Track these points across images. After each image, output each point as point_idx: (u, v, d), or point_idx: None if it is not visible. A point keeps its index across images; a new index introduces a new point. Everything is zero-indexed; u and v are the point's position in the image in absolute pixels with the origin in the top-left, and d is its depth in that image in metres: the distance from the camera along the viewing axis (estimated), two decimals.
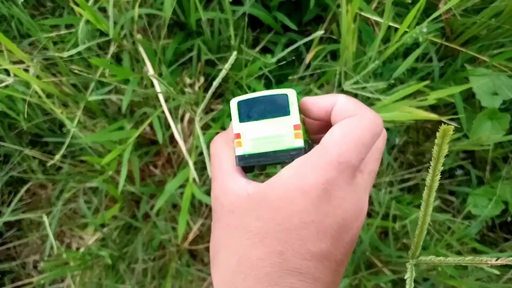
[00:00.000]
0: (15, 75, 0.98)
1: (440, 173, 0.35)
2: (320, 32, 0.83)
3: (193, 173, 0.90)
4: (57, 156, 0.99)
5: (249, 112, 0.35)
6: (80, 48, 0.85)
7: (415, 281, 1.10)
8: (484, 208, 1.04)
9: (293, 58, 1.22)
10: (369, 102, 1.04)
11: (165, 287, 1.00)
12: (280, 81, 1.16)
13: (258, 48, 1.05)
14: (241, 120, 0.35)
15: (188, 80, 1.07)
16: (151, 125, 1.13)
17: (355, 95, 1.04)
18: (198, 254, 1.16)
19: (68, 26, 1.13)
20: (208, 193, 1.08)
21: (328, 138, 0.31)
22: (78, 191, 1.13)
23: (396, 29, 0.98)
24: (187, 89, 1.08)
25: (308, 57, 1.06)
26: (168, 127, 1.09)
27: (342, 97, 0.34)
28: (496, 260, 0.37)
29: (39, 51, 1.08)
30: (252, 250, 0.29)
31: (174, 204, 1.15)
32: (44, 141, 1.21)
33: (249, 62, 1.03)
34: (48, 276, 0.92)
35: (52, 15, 1.19)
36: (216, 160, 0.35)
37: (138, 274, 1.06)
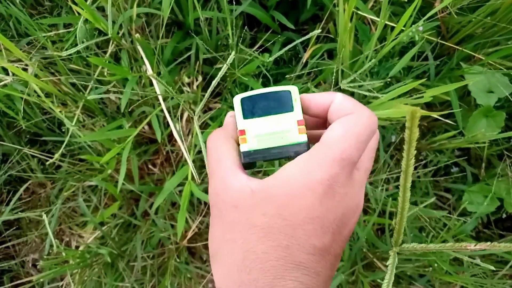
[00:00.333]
0: (13, 74, 0.99)
1: (414, 158, 0.36)
2: (317, 31, 0.84)
3: (192, 171, 0.91)
4: (56, 155, 0.99)
5: (252, 109, 0.36)
6: (79, 47, 0.86)
7: (411, 277, 1.11)
8: (480, 205, 1.05)
9: (290, 57, 1.23)
10: (365, 100, 1.05)
11: (164, 285, 1.01)
12: (278, 80, 1.17)
13: (255, 47, 1.05)
14: (245, 117, 0.36)
15: (186, 79, 1.08)
16: (149, 124, 1.14)
17: (352, 94, 1.05)
18: (196, 252, 1.16)
19: (66, 25, 1.14)
20: (207, 191, 1.08)
21: (330, 135, 0.32)
22: (77, 190, 1.14)
23: (392, 28, 0.99)
24: (185, 88, 1.09)
25: (305, 56, 1.07)
26: (166, 125, 1.10)
27: (339, 95, 0.35)
28: (475, 245, 0.38)
29: (38, 50, 1.08)
30: (258, 244, 0.30)
31: (173, 202, 1.16)
32: (43, 140, 1.21)
33: (247, 61, 1.03)
34: (47, 275, 0.92)
35: (50, 14, 1.19)
36: (215, 156, 0.36)
37: (137, 272, 1.07)
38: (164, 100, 0.97)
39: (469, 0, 0.95)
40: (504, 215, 1.13)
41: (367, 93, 0.86)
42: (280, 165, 0.96)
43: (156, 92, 1.00)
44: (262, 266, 0.29)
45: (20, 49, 0.95)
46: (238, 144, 0.37)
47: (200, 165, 1.10)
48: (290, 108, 0.35)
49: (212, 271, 0.32)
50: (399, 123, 1.10)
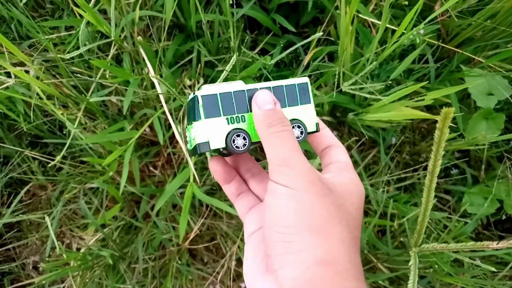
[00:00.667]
0: (15, 77, 0.99)
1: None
2: (318, 34, 0.85)
3: (194, 174, 0.91)
4: (58, 157, 0.99)
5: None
6: (82, 50, 0.86)
7: None
8: (480, 207, 1.06)
9: (291, 59, 1.23)
10: (366, 102, 1.05)
11: (166, 287, 1.01)
12: None
13: (256, 50, 1.06)
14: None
15: (188, 82, 1.08)
16: (151, 127, 1.14)
17: (353, 96, 1.05)
18: (198, 254, 1.16)
19: (68, 28, 1.14)
20: (207, 193, 1.09)
21: (341, 160, 0.42)
22: (78, 192, 1.14)
23: (393, 31, 0.99)
24: (187, 91, 1.09)
25: (306, 58, 1.07)
26: (168, 128, 1.10)
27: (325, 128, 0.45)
28: (497, 243, 0.38)
29: (39, 52, 1.09)
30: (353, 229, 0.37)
31: (174, 204, 1.16)
32: (44, 143, 1.21)
33: (249, 63, 1.04)
34: (49, 277, 0.92)
35: (52, 16, 1.19)
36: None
37: (138, 274, 1.07)
38: (166, 102, 0.98)
39: (469, 3, 0.96)
40: (503, 217, 1.14)
41: (368, 96, 0.87)
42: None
43: (157, 95, 1.00)
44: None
45: (22, 52, 0.95)
46: None
47: (202, 167, 1.11)
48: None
49: (318, 242, 0.33)
50: (399, 125, 1.10)
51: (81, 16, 1.06)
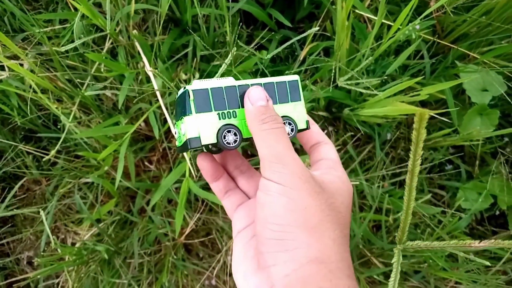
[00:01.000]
0: (9, 70, 0.98)
1: (420, 160, 0.37)
2: (315, 29, 0.85)
3: (190, 168, 0.91)
4: (53, 151, 0.99)
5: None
6: (77, 42, 0.85)
7: (406, 274, 1.13)
8: (474, 202, 1.07)
9: (287, 54, 1.23)
10: (362, 98, 1.06)
11: (162, 281, 1.01)
12: None
13: (252, 45, 1.06)
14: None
15: (183, 76, 1.08)
16: (146, 121, 1.14)
17: (349, 91, 1.06)
18: (193, 249, 1.16)
19: (62, 22, 1.13)
20: (203, 188, 1.08)
21: (330, 158, 0.43)
22: (73, 187, 1.13)
23: (388, 26, 1.00)
24: (182, 85, 1.09)
25: (302, 53, 1.07)
26: (163, 122, 1.10)
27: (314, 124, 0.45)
28: (479, 242, 0.39)
29: (33, 46, 1.08)
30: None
31: (169, 199, 1.16)
32: (38, 137, 1.21)
33: (244, 58, 1.04)
34: (44, 271, 0.92)
35: (46, 10, 1.18)
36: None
37: (134, 269, 1.07)
38: (161, 96, 0.97)
39: None
40: (497, 212, 1.15)
41: (363, 91, 0.87)
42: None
43: (153, 89, 1.00)
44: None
45: (15, 45, 0.94)
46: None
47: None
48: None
49: (311, 240, 0.34)
50: (394, 121, 1.11)
51: (75, 9, 1.05)
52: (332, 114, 1.16)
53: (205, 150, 0.44)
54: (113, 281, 1.02)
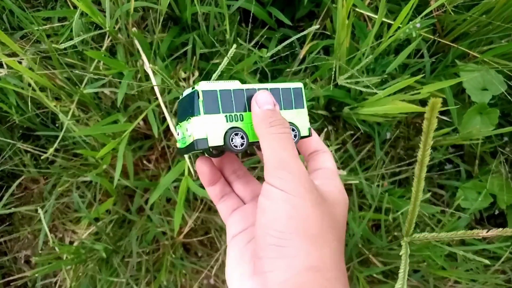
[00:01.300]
0: (8, 67, 0.98)
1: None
2: (315, 27, 0.84)
3: (189, 167, 0.91)
4: (51, 150, 0.98)
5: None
6: (76, 40, 0.85)
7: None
8: (474, 201, 1.07)
9: (287, 53, 1.23)
10: (361, 97, 1.05)
11: (160, 280, 1.01)
12: (274, 76, 1.17)
13: (253, 42, 1.05)
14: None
15: (183, 74, 1.07)
16: (144, 120, 1.13)
17: (348, 90, 1.05)
18: (191, 248, 1.16)
19: (61, 19, 1.12)
20: (202, 187, 1.08)
21: (328, 167, 0.43)
22: (71, 186, 1.12)
23: (389, 25, 0.99)
24: (182, 83, 1.08)
25: (302, 52, 1.07)
26: (162, 121, 1.10)
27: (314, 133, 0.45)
28: (487, 231, 0.39)
29: (32, 44, 1.07)
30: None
31: (168, 198, 1.15)
32: (36, 135, 1.20)
33: (244, 57, 1.03)
34: (42, 270, 0.91)
35: (44, 8, 1.18)
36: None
37: (132, 268, 1.07)
38: (160, 95, 0.97)
39: None
40: (496, 212, 1.15)
41: (363, 89, 0.87)
42: None
43: (152, 86, 1.00)
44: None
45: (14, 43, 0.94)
46: None
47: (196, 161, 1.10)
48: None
49: (311, 249, 0.34)
50: (394, 120, 1.11)
51: (74, 7, 1.04)
52: (331, 113, 1.15)
53: (205, 154, 0.43)
54: (111, 280, 1.01)
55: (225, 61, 0.57)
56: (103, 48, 1.04)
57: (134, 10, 0.96)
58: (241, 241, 0.40)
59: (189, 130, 0.38)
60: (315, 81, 1.07)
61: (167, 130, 1.13)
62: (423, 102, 1.11)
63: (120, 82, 1.03)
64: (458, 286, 1.08)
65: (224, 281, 1.11)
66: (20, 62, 0.98)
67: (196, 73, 1.09)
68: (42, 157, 1.04)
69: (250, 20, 1.03)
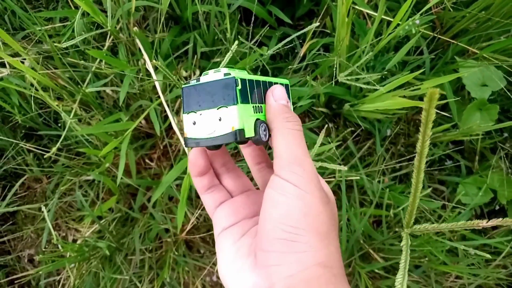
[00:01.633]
0: (11, 67, 0.98)
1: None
2: (315, 24, 0.85)
3: None
4: (54, 149, 0.99)
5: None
6: (78, 39, 0.86)
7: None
8: (474, 196, 1.07)
9: (287, 51, 1.24)
10: (361, 94, 1.06)
11: (163, 277, 1.01)
12: (275, 75, 1.18)
13: (253, 41, 1.06)
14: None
15: (184, 73, 1.08)
16: (146, 119, 1.14)
17: (349, 87, 1.06)
18: (194, 245, 1.17)
19: (62, 20, 1.13)
20: None
21: None
22: (73, 184, 1.13)
23: (388, 22, 1.00)
24: (183, 82, 1.09)
25: (302, 50, 1.08)
26: (164, 119, 1.10)
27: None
28: (487, 222, 0.39)
29: (34, 44, 1.08)
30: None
31: (170, 196, 1.16)
32: (38, 135, 1.21)
33: (245, 55, 1.04)
34: (46, 267, 0.92)
35: (46, 8, 1.19)
36: None
37: (135, 266, 1.07)
38: (162, 93, 0.98)
39: None
40: (497, 207, 1.16)
41: (364, 86, 0.88)
42: None
43: (154, 85, 1.00)
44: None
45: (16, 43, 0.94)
46: None
47: None
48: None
49: (320, 245, 0.34)
50: (394, 117, 1.11)
51: (76, 7, 1.05)
52: (332, 111, 1.16)
53: (184, 145, 0.40)
54: (114, 277, 1.02)
55: (230, 52, 0.58)
56: (105, 47, 1.05)
57: (135, 9, 0.97)
58: (234, 234, 0.39)
59: (225, 120, 0.36)
60: (316, 79, 1.08)
61: (169, 128, 1.14)
62: (423, 99, 1.12)
63: (122, 81, 1.04)
64: (459, 281, 1.08)
65: None
66: (22, 62, 0.99)
67: (197, 72, 1.10)
68: (45, 156, 1.05)
69: (253, 19, 1.03)
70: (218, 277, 1.14)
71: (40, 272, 0.97)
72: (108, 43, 1.05)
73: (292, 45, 1.23)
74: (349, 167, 1.06)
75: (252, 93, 0.37)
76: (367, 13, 1.06)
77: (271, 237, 0.34)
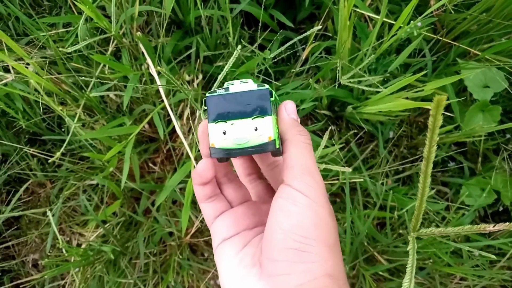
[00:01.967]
0: (15, 73, 0.99)
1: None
2: (317, 27, 0.86)
3: (195, 167, 0.92)
4: (58, 153, 0.99)
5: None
6: (82, 44, 0.86)
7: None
8: (478, 198, 1.07)
9: (289, 55, 1.24)
10: (364, 96, 1.06)
11: (168, 281, 1.01)
12: (277, 78, 1.18)
13: (256, 44, 1.07)
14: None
15: (187, 77, 1.09)
16: (149, 123, 1.15)
17: (351, 90, 1.07)
18: (198, 249, 1.17)
19: (65, 26, 1.14)
20: None
21: None
22: (77, 189, 1.14)
23: (389, 25, 1.01)
24: (186, 86, 1.09)
25: (305, 53, 1.08)
26: (167, 123, 1.11)
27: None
28: (494, 226, 0.39)
29: (38, 50, 1.09)
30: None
31: (174, 200, 1.16)
32: (42, 140, 1.21)
33: (247, 59, 1.05)
34: (51, 272, 0.92)
35: (49, 14, 1.20)
36: None
37: (139, 270, 1.07)
38: (166, 97, 0.98)
39: None
40: (500, 208, 1.16)
41: (366, 88, 0.88)
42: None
43: (157, 90, 1.01)
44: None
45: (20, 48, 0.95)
46: None
47: None
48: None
49: (329, 256, 0.35)
50: (397, 119, 1.12)
51: (79, 12, 1.06)
52: (334, 113, 1.16)
53: (212, 156, 0.39)
54: (119, 281, 1.02)
55: (235, 55, 0.58)
56: (108, 52, 1.06)
57: (138, 14, 0.97)
58: (236, 244, 0.39)
59: (261, 130, 0.36)
60: (318, 81, 1.09)
61: (172, 132, 1.14)
62: (425, 101, 1.12)
63: (125, 86, 1.04)
64: (464, 283, 1.08)
65: None
66: (26, 67, 0.99)
67: (200, 76, 1.10)
68: (49, 161, 1.05)
69: (259, 23, 1.04)
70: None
71: (45, 277, 0.97)
72: (111, 48, 1.05)
73: (294, 48, 1.23)
74: (352, 169, 1.06)
75: (274, 106, 0.38)
76: (369, 16, 1.07)
77: (281, 246, 0.34)
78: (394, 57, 1.03)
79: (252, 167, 0.46)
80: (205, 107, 0.37)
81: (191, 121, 1.11)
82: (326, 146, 0.96)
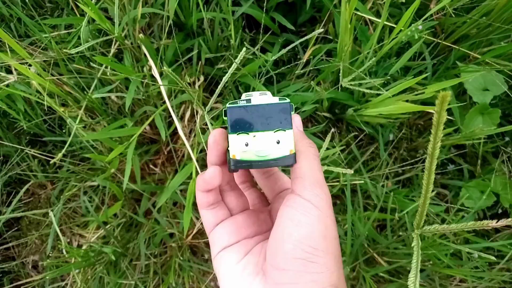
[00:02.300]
0: (18, 74, 0.99)
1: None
2: (318, 30, 0.86)
3: (197, 169, 0.92)
4: (59, 154, 1.00)
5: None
6: (85, 45, 0.87)
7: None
8: (477, 200, 1.08)
9: (290, 58, 1.25)
10: (364, 99, 1.07)
11: (169, 282, 1.02)
12: (278, 81, 1.19)
13: (257, 47, 1.07)
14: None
15: (188, 79, 1.09)
16: (150, 125, 1.15)
17: (351, 92, 1.07)
18: (198, 250, 1.17)
19: (67, 27, 1.14)
20: None
21: None
22: (78, 190, 1.14)
23: (390, 28, 1.01)
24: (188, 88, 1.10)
25: (305, 56, 1.09)
26: (169, 125, 1.11)
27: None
28: (497, 222, 0.40)
29: (40, 51, 1.09)
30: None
31: (174, 202, 1.17)
32: (43, 142, 1.21)
33: (248, 61, 1.05)
34: (52, 273, 0.92)
35: (51, 16, 1.20)
36: None
37: (140, 271, 1.07)
38: (168, 98, 0.98)
39: (464, 1, 0.98)
40: (499, 211, 1.16)
41: (367, 91, 0.89)
42: None
43: (159, 91, 1.01)
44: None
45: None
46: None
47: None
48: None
49: (335, 268, 0.35)
50: (397, 121, 1.12)
51: (81, 14, 1.06)
52: (335, 116, 1.17)
53: (233, 168, 0.39)
54: (120, 283, 1.02)
55: (239, 57, 0.59)
56: (110, 54, 1.06)
57: (140, 16, 0.98)
58: (237, 253, 0.39)
59: (283, 143, 0.37)
60: (319, 84, 1.09)
61: (174, 134, 1.15)
62: (425, 104, 1.13)
63: (126, 87, 1.05)
64: (463, 284, 1.09)
65: None
66: (28, 69, 1.00)
67: (202, 78, 1.11)
68: (50, 162, 1.05)
69: (261, 26, 1.04)
70: None
71: (45, 278, 0.97)
72: (113, 49, 1.06)
73: (295, 51, 1.24)
74: (353, 171, 1.07)
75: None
76: (369, 19, 1.08)
77: (289, 256, 0.34)
78: (395, 60, 1.04)
79: (245, 175, 0.47)
80: (225, 118, 0.37)
81: (192, 123, 1.11)
82: (327, 148, 0.97)
